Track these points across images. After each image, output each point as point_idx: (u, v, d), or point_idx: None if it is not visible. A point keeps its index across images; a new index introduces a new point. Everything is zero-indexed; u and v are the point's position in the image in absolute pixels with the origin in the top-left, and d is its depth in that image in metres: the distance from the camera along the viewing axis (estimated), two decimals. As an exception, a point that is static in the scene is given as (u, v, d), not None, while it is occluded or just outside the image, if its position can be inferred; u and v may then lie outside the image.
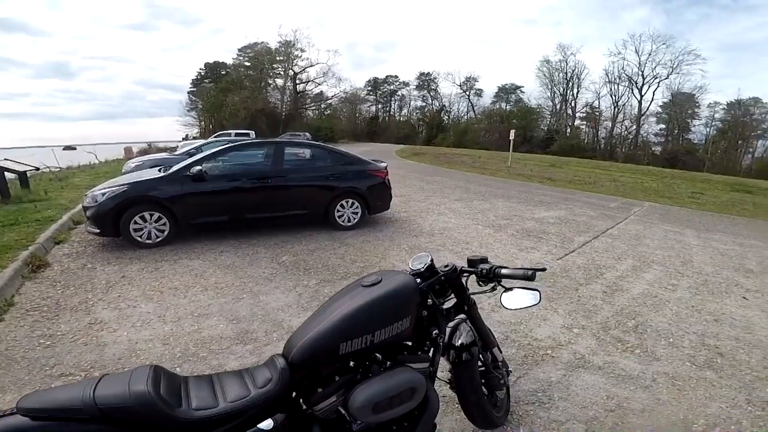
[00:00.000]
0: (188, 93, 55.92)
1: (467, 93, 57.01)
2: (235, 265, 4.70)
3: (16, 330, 3.19)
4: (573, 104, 52.19)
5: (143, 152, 21.15)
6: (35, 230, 5.56)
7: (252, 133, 25.09)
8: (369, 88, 61.11)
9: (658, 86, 48.00)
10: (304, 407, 1.38)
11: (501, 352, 2.14)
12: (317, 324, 1.38)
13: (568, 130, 50.84)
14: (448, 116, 57.95)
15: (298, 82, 53.14)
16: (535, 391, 2.57)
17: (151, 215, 5.16)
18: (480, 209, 8.39)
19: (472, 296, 1.80)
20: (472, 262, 1.73)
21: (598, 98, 50.62)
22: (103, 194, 5.06)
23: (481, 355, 1.95)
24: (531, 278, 1.55)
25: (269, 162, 6.01)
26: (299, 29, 61.76)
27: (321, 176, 6.24)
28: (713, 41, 76.34)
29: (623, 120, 48.96)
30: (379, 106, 62.58)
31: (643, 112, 47.86)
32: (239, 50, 53.77)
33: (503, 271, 1.62)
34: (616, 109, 49.13)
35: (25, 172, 8.73)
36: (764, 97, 45.68)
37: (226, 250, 5.22)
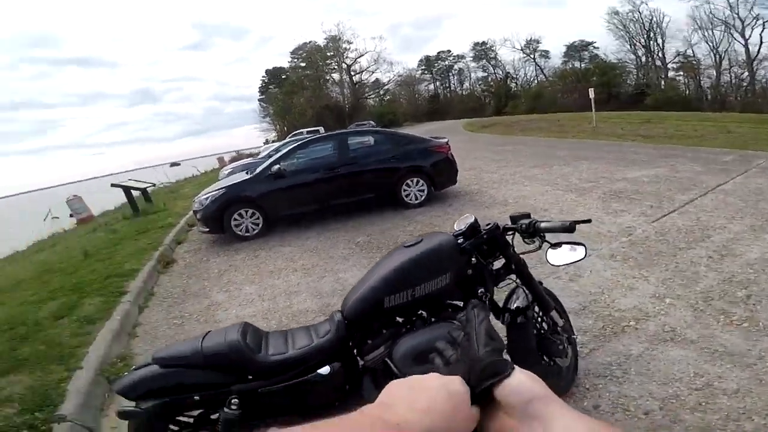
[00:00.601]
0: (258, 101, 57.98)
1: (532, 56, 52.38)
2: (318, 248, 5.20)
3: (157, 313, 3.97)
4: (661, 55, 45.02)
5: (233, 160, 23.26)
6: (161, 234, 6.66)
7: (321, 129, 26.02)
8: (423, 68, 58.92)
9: (764, 28, 39.33)
10: (358, 358, 1.51)
11: (563, 317, 2.00)
12: (365, 282, 1.53)
13: (662, 82, 44.18)
14: (516, 83, 54.12)
15: (352, 73, 52.74)
16: (609, 364, 2.30)
17: (246, 212, 5.94)
18: (560, 174, 7.66)
19: (521, 256, 1.76)
20: (514, 219, 1.70)
21: (691, 46, 42.75)
22: (207, 198, 5.94)
23: (539, 319, 1.89)
24: (570, 230, 1.50)
25: (335, 153, 6.45)
26: (341, 22, 61.07)
27: (383, 159, 6.46)
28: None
29: (730, 67, 41.02)
30: (437, 83, 60.31)
31: (753, 56, 39.67)
32: (291, 53, 54.52)
33: (542, 224, 1.59)
34: (718, 57, 41.23)
35: (145, 188, 10.31)
36: None
37: (310, 236, 5.76)
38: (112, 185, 9.60)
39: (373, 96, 55.70)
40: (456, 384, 0.43)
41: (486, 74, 56.30)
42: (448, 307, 1.59)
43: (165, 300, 4.28)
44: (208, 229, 5.98)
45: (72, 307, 3.94)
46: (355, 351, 1.53)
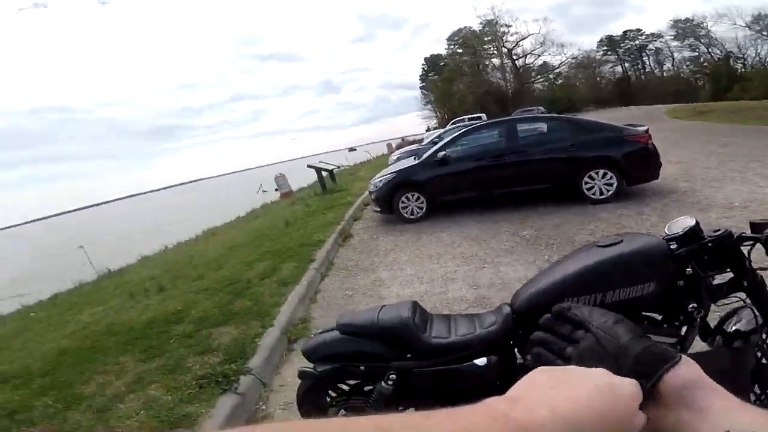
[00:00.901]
0: (420, 88, 58.68)
1: (764, 32, 39.51)
2: (479, 237, 5.07)
3: (333, 282, 4.47)
4: None
5: (399, 146, 24.67)
6: (342, 211, 7.51)
7: (483, 116, 25.22)
8: (604, 48, 51.02)
9: None
10: (518, 354, 1.43)
11: None
12: (545, 278, 1.40)
13: None
14: (744, 63, 41.87)
15: (514, 57, 49.41)
16: None
17: (413, 195, 6.25)
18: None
19: (758, 272, 1.38)
20: (755, 227, 1.34)
21: None
22: (380, 181, 6.49)
23: (765, 347, 1.51)
24: None
25: (503, 140, 6.15)
26: (494, 6, 56.38)
27: (561, 148, 5.87)
28: None
29: None
30: (626, 64, 51.50)
31: None
32: (448, 40, 53.42)
33: None
34: None
35: (332, 170, 11.91)
36: None
37: (471, 224, 5.66)
38: (308, 166, 11.39)
39: (540, 80, 51.24)
40: (628, 385, 0.36)
41: (696, 54, 45.53)
42: (644, 320, 1.37)
43: (341, 271, 4.81)
44: (379, 209, 6.55)
45: (274, 269, 4.73)
46: (516, 349, 1.44)
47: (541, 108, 28.59)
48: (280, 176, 14.18)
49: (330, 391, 1.63)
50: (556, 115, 8.03)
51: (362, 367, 1.48)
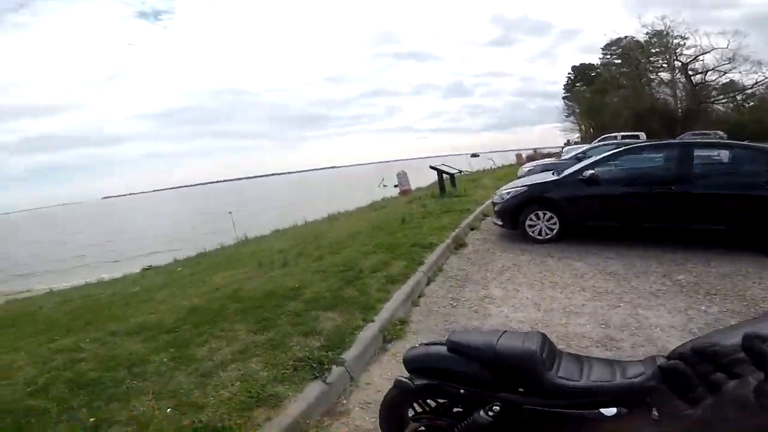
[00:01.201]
0: (563, 98, 54.31)
1: None
2: (618, 273, 4.28)
3: (438, 290, 4.22)
4: None
5: (530, 158, 22.98)
6: (459, 218, 7.17)
7: (642, 135, 22.05)
8: None
9: None
10: (654, 412, 1.17)
11: None
12: (722, 337, 1.09)
13: None
14: None
15: (691, 73, 41.12)
16: None
17: (544, 214, 5.55)
18: None
19: None
20: None
21: None
22: (508, 193, 5.92)
23: None
24: None
25: (672, 165, 5.07)
26: (666, 16, 47.12)
27: (749, 184, 4.68)
28: None
29: None
30: None
31: None
32: (603, 49, 47.48)
33: None
34: None
35: (453, 174, 11.59)
36: None
37: (612, 257, 4.83)
38: (431, 167, 11.22)
39: (723, 101, 42.33)
40: None
41: None
42: None
43: (449, 279, 4.53)
44: (501, 223, 5.98)
45: (385, 263, 4.68)
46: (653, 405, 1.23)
47: (721, 133, 23.70)
48: (402, 174, 14.42)
49: (415, 404, 1.60)
50: (747, 143, 6.42)
51: (462, 390, 1.41)
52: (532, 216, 5.59)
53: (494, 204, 6.23)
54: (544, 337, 1.38)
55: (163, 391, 2.41)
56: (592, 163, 5.64)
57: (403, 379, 1.53)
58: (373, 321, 3.29)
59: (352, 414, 2.33)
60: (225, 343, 2.99)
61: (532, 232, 5.61)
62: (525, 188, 5.81)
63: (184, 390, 2.39)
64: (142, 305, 4.31)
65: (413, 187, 14.54)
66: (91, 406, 2.30)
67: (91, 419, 2.17)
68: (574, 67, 54.28)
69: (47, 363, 2.90)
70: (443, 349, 1.45)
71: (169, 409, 2.21)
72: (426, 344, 1.58)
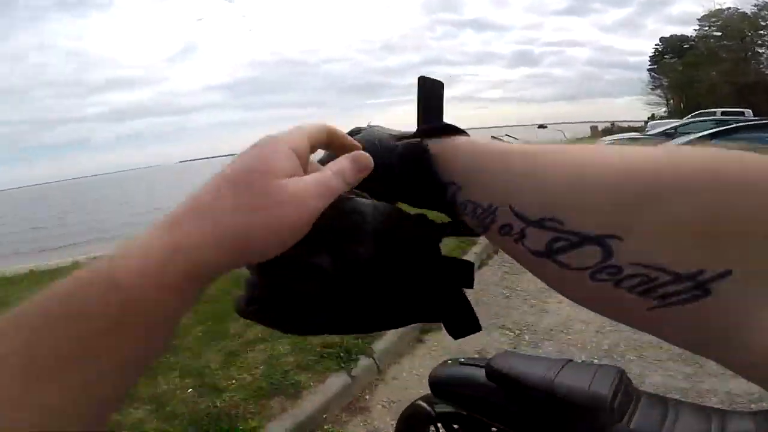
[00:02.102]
0: (648, 71, 49.88)
1: None
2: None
3: (491, 276, 3.82)
4: None
5: (606, 131, 20.90)
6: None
7: (748, 112, 19.01)
8: None
9: None
10: None
11: None
12: None
13: None
14: None
15: None
16: None
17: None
18: None
19: None
20: None
21: None
22: None
23: None
24: None
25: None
26: None
27: None
28: None
29: None
30: None
31: None
32: (699, 20, 42.43)
33: None
34: None
35: (517, 146, 10.89)
36: None
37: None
38: (492, 137, 10.63)
39: None
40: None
41: None
42: None
43: (505, 264, 4.09)
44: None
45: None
46: None
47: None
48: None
49: (432, 427, 1.33)
50: None
51: (494, 429, 1.14)
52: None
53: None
54: (621, 375, 1.03)
55: (190, 368, 2.36)
56: (693, 140, 4.82)
57: (423, 404, 1.27)
58: (409, 308, 3.03)
59: (372, 412, 2.12)
60: None
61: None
62: None
63: (209, 370, 2.32)
64: None
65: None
66: None
67: None
68: (662, 39, 49.59)
69: None
70: (480, 373, 1.13)
71: (190, 390, 2.14)
72: (460, 362, 1.26)
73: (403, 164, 0.29)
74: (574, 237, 0.21)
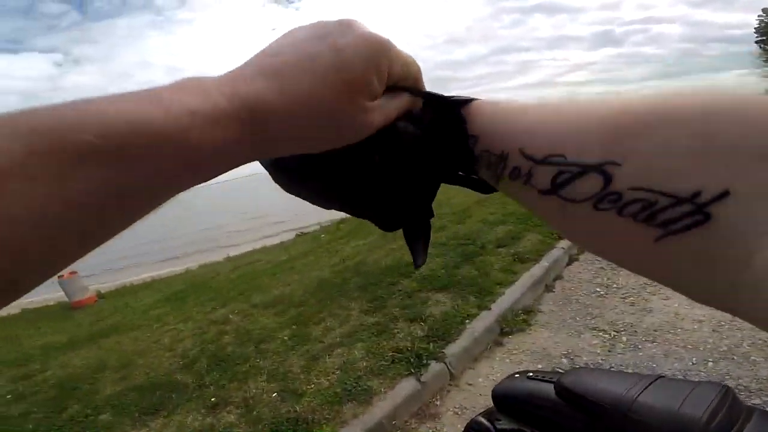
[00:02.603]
0: (756, 42, 45.66)
1: None
2: None
3: (583, 272, 3.43)
4: None
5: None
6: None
7: None
8: None
9: None
10: None
11: None
12: None
13: None
14: None
15: None
16: None
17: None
18: None
19: None
20: None
21: None
22: None
23: None
24: None
25: None
26: None
27: None
28: None
29: None
30: None
31: None
32: None
33: None
34: None
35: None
36: None
37: None
38: None
39: None
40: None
41: None
42: None
43: (599, 259, 3.64)
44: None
45: (514, 237, 4.07)
46: None
47: None
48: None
49: None
50: None
51: None
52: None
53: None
54: (726, 393, 0.84)
55: (276, 372, 2.53)
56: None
57: (483, 420, 1.15)
58: (489, 309, 2.84)
59: (442, 419, 2.05)
60: (338, 323, 3.01)
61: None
62: None
63: (292, 374, 2.46)
64: (283, 275, 4.74)
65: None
66: (218, 384, 2.56)
67: (212, 399, 2.41)
68: (765, 9, 43.87)
69: (202, 335, 3.39)
70: (550, 389, 1.01)
71: (275, 394, 2.30)
72: (528, 376, 1.14)
73: (436, 122, 0.32)
74: (575, 168, 0.22)
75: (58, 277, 6.00)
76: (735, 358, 1.98)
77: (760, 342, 2.04)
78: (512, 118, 0.27)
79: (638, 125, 0.20)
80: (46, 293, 7.59)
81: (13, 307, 7.32)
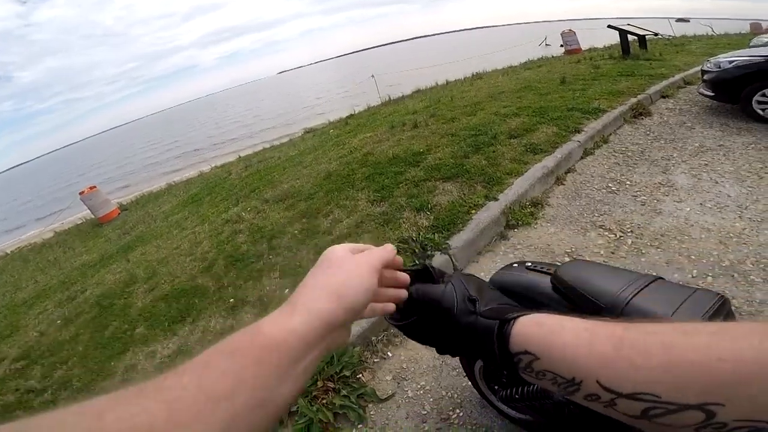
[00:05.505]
0: None
1: None
2: None
3: (597, 166, 3.22)
4: None
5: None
6: (645, 83, 5.27)
7: None
8: None
9: None
10: None
11: None
12: None
13: None
14: None
15: None
16: None
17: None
18: None
19: None
20: None
21: None
22: (731, 62, 3.99)
23: None
24: None
25: None
26: None
27: None
28: None
29: None
30: None
31: None
32: None
33: None
34: None
35: (644, 36, 8.63)
36: None
37: None
38: (609, 26, 8.60)
39: None
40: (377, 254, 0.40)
41: None
42: None
43: (615, 154, 3.43)
44: (713, 95, 4.17)
45: (527, 129, 3.78)
46: None
47: None
48: (568, 32, 11.41)
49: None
50: None
51: None
52: (766, 92, 3.73)
53: (704, 72, 4.32)
54: (723, 303, 0.76)
55: (287, 268, 2.50)
56: None
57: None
58: (496, 199, 2.68)
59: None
60: (345, 214, 2.92)
61: (762, 110, 3.76)
62: (761, 59, 3.83)
63: (303, 269, 2.41)
64: (294, 169, 4.55)
65: (584, 47, 11.53)
66: (235, 284, 2.52)
67: (231, 300, 2.37)
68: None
69: (218, 235, 3.31)
70: (545, 281, 0.96)
71: (287, 290, 2.26)
72: (527, 267, 1.06)
73: (483, 335, 0.40)
74: (672, 406, 0.24)
75: (80, 193, 6.21)
76: (735, 275, 1.84)
77: (764, 261, 1.88)
78: (580, 342, 0.29)
79: (735, 375, 0.22)
80: (72, 214, 7.79)
81: (46, 231, 7.37)
